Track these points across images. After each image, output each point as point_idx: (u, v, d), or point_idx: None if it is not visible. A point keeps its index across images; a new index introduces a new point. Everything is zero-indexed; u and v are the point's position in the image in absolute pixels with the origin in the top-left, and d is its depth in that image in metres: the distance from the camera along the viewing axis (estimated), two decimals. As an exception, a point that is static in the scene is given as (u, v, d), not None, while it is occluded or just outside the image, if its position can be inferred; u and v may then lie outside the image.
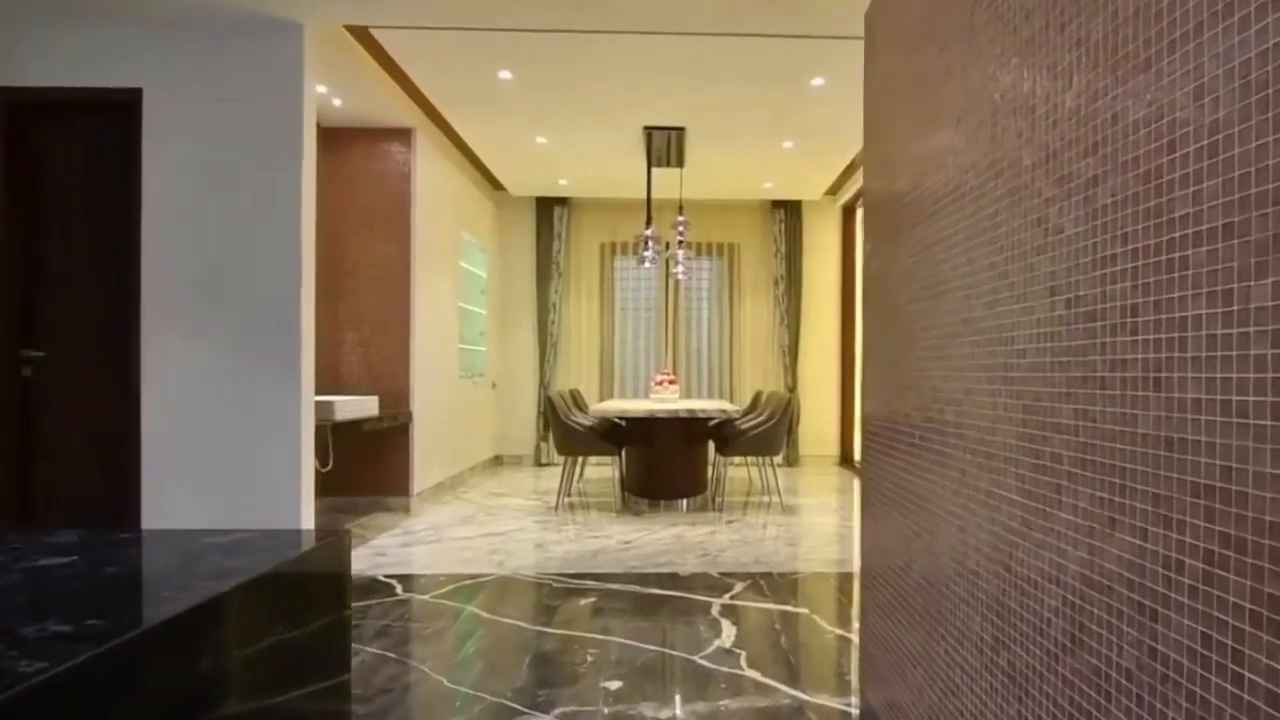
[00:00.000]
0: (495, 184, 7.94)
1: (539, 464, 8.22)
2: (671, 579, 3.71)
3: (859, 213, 8.09)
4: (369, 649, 2.75)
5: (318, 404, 4.37)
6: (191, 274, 3.91)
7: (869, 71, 2.13)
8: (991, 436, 1.27)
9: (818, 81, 4.85)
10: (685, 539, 4.61)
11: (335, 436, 5.23)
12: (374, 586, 3.58)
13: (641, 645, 2.79)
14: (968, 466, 1.37)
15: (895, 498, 1.83)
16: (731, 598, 3.41)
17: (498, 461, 8.33)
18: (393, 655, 2.70)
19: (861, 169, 7.12)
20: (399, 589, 3.53)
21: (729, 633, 2.95)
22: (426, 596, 3.41)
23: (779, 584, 3.65)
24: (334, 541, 1.07)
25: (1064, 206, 1.05)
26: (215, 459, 3.90)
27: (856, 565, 4.03)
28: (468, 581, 3.66)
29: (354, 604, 3.30)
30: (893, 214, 1.87)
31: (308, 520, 4.00)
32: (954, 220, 1.45)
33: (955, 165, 1.45)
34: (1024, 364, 1.16)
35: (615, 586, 3.56)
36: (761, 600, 3.38)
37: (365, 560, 4.08)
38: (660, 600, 3.36)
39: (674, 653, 2.73)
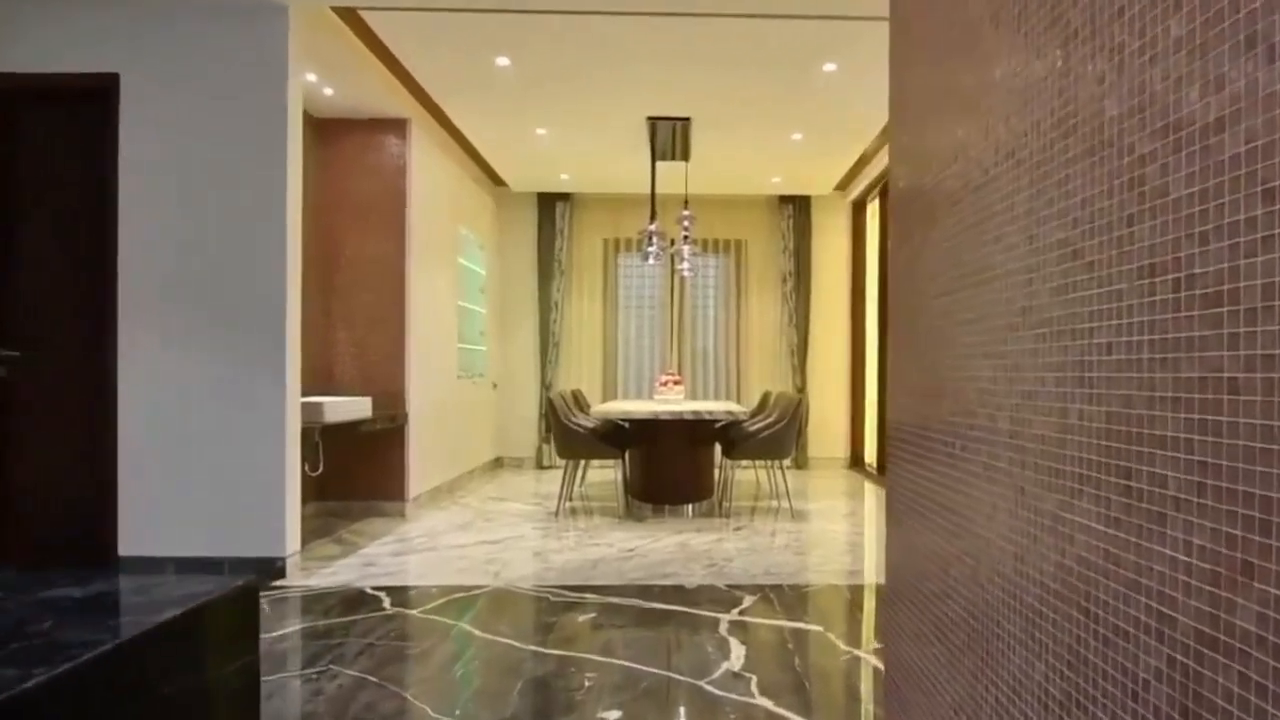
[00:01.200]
0: (496, 180, 7.73)
1: (540, 467, 8.01)
2: (676, 592, 3.49)
3: (869, 208, 7.86)
4: (349, 671, 2.54)
5: (306, 405, 4.17)
6: (171, 269, 3.72)
7: (896, 34, 1.91)
8: (1061, 450, 1.05)
9: (829, 67, 4.63)
10: (690, 547, 4.39)
11: (326, 439, 5.02)
12: (361, 600, 3.37)
13: (644, 668, 2.58)
14: (1027, 484, 1.15)
15: (929, 513, 1.61)
16: (740, 613, 3.19)
17: (498, 464, 8.13)
18: (373, 679, 2.48)
19: (873, 162, 6.91)
20: (387, 603, 3.32)
21: (738, 653, 2.73)
22: (415, 611, 3.20)
23: (790, 597, 3.43)
24: (235, 595, 0.85)
25: (1169, 163, 0.84)
26: (196, 462, 3.70)
27: (869, 576, 3.81)
28: (460, 594, 3.46)
29: (338, 619, 3.09)
30: (925, 193, 1.65)
31: (293, 525, 3.80)
32: (1007, 193, 1.24)
33: (1009, 129, 1.23)
34: (1109, 362, 0.94)
35: (616, 600, 3.35)
36: (772, 616, 3.16)
37: (354, 570, 3.88)
38: (664, 616, 3.15)
39: (679, 677, 2.51)
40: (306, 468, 4.59)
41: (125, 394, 3.70)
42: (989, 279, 1.31)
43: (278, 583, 3.62)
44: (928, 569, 1.62)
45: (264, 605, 3.27)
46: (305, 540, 4.53)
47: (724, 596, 3.43)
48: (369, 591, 3.50)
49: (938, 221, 1.57)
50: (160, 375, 3.70)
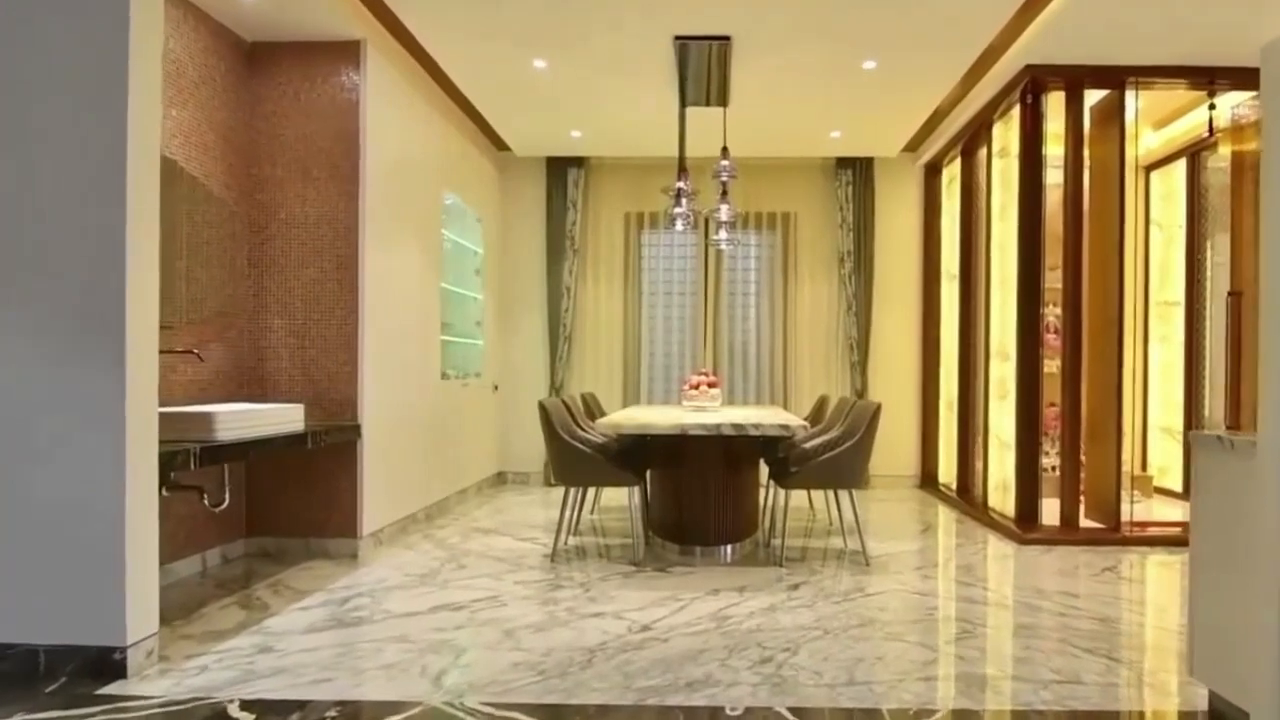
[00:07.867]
0: (498, 143, 6.50)
1: (549, 484, 6.75)
2: (710, 723, 2.19)
3: (946, 172, 6.46)
4: None
5: (182, 417, 2.96)
6: (-42, 218, 2.52)
7: None
8: None
9: (930, -59, 3.27)
10: (731, 622, 3.08)
11: (255, 460, 3.84)
12: (210, 731, 2.13)
13: None
14: None
15: None
16: (818, 780, 1.88)
17: (500, 480, 6.89)
18: None
19: (953, 113, 5.50)
20: (245, 741, 2.07)
21: None
22: (276, 769, 1.94)
23: (897, 741, 2.10)
24: None
25: None
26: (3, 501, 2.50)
27: (1008, 689, 2.44)
28: (368, 722, 2.19)
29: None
30: None
31: (143, 599, 2.57)
32: None
33: None
34: None
35: (612, 744, 2.06)
36: (875, 792, 1.84)
37: (234, 663, 2.63)
38: (689, 788, 1.85)
39: None
40: (206, 501, 3.38)
41: (-103, 403, 2.51)
42: None
43: (108, 689, 2.39)
44: None
45: (47, 746, 2.04)
46: (202, 601, 3.32)
47: (787, 736, 2.11)
48: (232, 714, 2.25)
49: None
50: (-54, 376, 2.51)
